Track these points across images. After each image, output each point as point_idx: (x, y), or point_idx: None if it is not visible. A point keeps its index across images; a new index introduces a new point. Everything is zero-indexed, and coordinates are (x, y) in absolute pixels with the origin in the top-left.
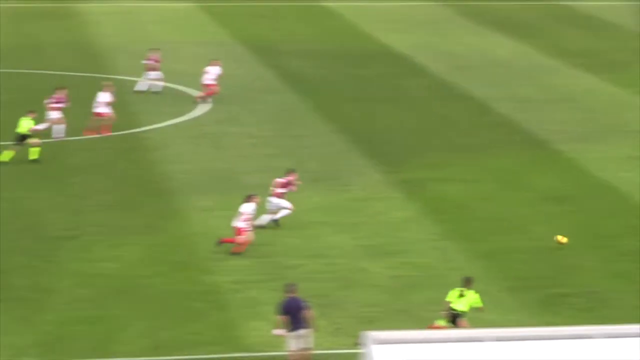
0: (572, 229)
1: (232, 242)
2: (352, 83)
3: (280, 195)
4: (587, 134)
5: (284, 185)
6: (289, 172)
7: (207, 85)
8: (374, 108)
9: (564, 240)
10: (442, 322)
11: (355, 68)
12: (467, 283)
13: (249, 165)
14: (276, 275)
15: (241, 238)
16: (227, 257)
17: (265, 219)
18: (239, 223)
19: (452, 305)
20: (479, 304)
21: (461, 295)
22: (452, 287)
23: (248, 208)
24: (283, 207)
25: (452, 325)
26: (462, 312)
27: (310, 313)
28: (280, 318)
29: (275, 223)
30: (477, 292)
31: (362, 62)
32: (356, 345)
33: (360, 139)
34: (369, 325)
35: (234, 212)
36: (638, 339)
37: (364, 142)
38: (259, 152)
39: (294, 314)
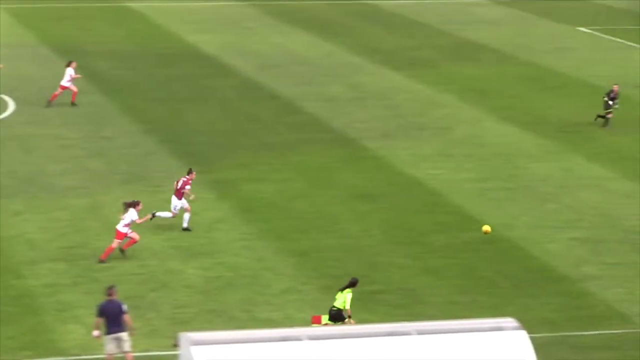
0: (383, 226)
1: (110, 250)
2: (159, 83)
3: (181, 196)
4: (395, 131)
5: (185, 185)
6: (189, 171)
7: (63, 87)
8: (182, 108)
9: (488, 229)
10: (327, 319)
11: (162, 68)
12: (350, 284)
13: (59, 167)
14: (89, 278)
15: (115, 242)
16: (39, 260)
17: (185, 218)
18: (118, 226)
19: (334, 304)
20: (345, 305)
21: (341, 293)
22: (266, 286)
23: (131, 213)
24: (184, 208)
25: (334, 322)
26: (339, 309)
27: (129, 316)
28: (98, 320)
29: (155, 215)
30: (350, 292)
31: (169, 63)
32: (173, 346)
33: (169, 139)
34: (183, 326)
35: (45, 215)
36: (451, 334)
37: (173, 142)
38: (68, 154)
39: (113, 317)
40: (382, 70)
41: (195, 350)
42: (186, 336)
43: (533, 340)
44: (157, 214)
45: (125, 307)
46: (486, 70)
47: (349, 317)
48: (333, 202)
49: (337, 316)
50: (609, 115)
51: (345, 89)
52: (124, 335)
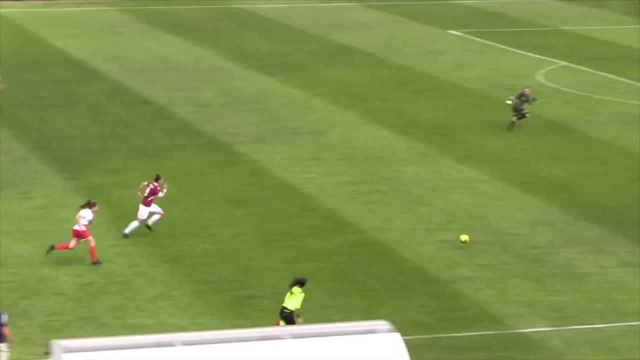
0: (256, 230)
1: (65, 247)
2: (28, 89)
3: (148, 203)
4: (268, 135)
5: (152, 192)
6: (157, 177)
7: None
8: (52, 114)
9: (465, 239)
10: (282, 322)
11: (31, 74)
12: (297, 283)
13: None
14: None
15: (72, 243)
16: None
17: (154, 219)
18: (78, 227)
19: (285, 305)
20: (297, 305)
21: (291, 294)
22: (138, 292)
23: (87, 213)
24: (154, 212)
25: (287, 323)
26: (291, 311)
27: (7, 328)
28: None
29: (126, 236)
30: (302, 292)
31: (38, 68)
32: (45, 354)
33: (39, 145)
34: (55, 333)
35: None
36: (325, 338)
37: (43, 148)
38: None
39: None
40: (254, 75)
41: (67, 357)
42: (58, 344)
43: (406, 342)
44: (127, 231)
45: (5, 317)
46: (358, 74)
47: (298, 316)
48: (206, 207)
49: (289, 317)
50: (527, 115)
51: (218, 94)
52: (2, 346)
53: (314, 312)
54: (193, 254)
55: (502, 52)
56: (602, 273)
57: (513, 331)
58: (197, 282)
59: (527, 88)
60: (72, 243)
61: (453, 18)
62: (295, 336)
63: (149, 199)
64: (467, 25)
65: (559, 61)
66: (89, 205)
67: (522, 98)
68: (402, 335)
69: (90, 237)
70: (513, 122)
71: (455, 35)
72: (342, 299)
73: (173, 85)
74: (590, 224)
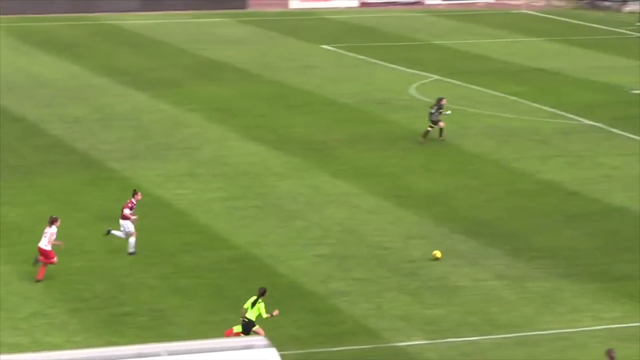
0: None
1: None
2: None
3: (127, 217)
4: (142, 152)
5: (131, 207)
6: (134, 193)
7: None
8: None
9: (438, 255)
10: (238, 329)
11: None
12: (260, 294)
13: None
14: None
15: (46, 259)
16: None
17: (117, 233)
18: (43, 244)
19: (246, 315)
20: (262, 315)
21: (253, 305)
22: (12, 311)
23: (52, 229)
24: (128, 230)
25: (246, 333)
26: (251, 320)
27: None
28: None
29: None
30: (262, 302)
31: None
32: None
33: None
34: None
35: None
36: (203, 354)
37: None
38: None
39: None
40: (127, 91)
41: None
42: None
43: (283, 357)
44: (131, 250)
45: None
46: (232, 89)
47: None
48: (80, 225)
49: (249, 326)
50: (441, 125)
51: (90, 111)
52: None
53: (190, 329)
54: (68, 271)
55: (375, 66)
56: (477, 286)
57: (389, 345)
58: (72, 299)
59: (443, 98)
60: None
61: (326, 33)
62: (172, 353)
63: (124, 213)
64: (340, 40)
65: (431, 75)
66: (52, 221)
67: (439, 109)
68: (279, 350)
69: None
70: (440, 130)
71: (329, 50)
72: (218, 314)
73: (44, 102)
74: (464, 237)
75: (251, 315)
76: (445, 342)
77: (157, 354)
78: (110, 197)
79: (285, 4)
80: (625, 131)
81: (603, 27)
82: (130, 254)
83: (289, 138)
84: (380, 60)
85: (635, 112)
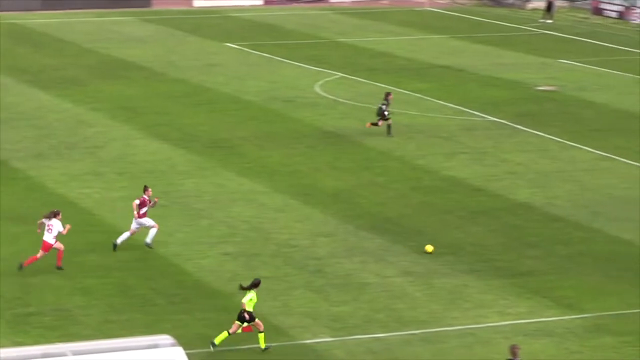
0: (36, 247)
1: (34, 260)
2: None
3: (142, 215)
4: (46, 151)
5: (143, 204)
6: (145, 189)
7: None
8: None
9: (430, 249)
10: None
11: None
12: (253, 284)
13: None
14: None
15: (41, 253)
16: None
17: (151, 234)
18: (47, 237)
19: (245, 307)
20: (250, 307)
21: (250, 299)
22: None
23: (56, 223)
24: (148, 225)
25: (250, 321)
26: (250, 312)
27: None
28: None
29: (149, 246)
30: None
31: None
32: None
33: None
34: None
35: None
36: (108, 354)
37: None
38: None
39: None
40: (30, 90)
41: None
42: None
43: (190, 356)
44: (118, 241)
45: None
46: (136, 87)
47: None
48: None
49: (251, 317)
50: (389, 121)
51: None
52: None
53: (95, 329)
54: None
55: (280, 64)
56: (383, 282)
57: (296, 342)
58: None
59: (390, 93)
60: (60, 246)
61: (231, 31)
62: (76, 353)
63: (142, 212)
64: (244, 38)
65: (336, 72)
66: (55, 214)
67: (387, 104)
68: (186, 349)
69: (47, 252)
70: (376, 124)
71: (234, 48)
72: (124, 314)
73: None
74: (371, 234)
75: (249, 307)
76: (352, 339)
77: (63, 354)
78: (15, 196)
79: (190, 3)
80: (529, 127)
81: (507, 24)
82: (147, 245)
83: (194, 136)
84: (285, 58)
85: (539, 108)
